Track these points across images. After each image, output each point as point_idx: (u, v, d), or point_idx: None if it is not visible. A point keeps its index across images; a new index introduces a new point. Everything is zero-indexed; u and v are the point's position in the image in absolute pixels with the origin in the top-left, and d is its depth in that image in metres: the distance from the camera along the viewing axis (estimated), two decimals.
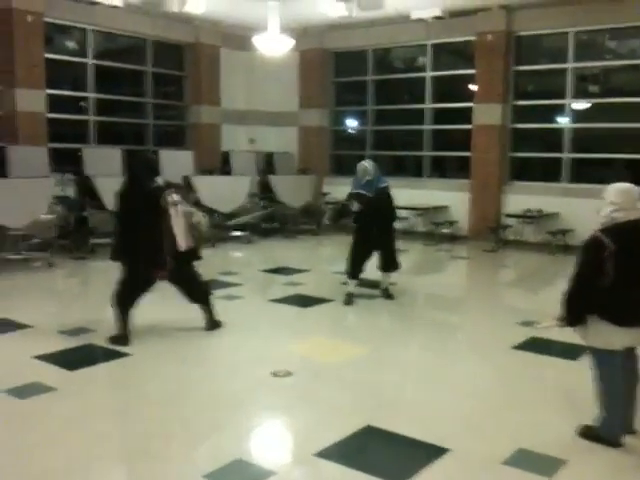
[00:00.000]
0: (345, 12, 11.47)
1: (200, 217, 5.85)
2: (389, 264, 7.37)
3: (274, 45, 11.19)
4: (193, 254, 5.75)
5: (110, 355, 5.26)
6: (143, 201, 5.49)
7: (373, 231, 7.11)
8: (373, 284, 7.70)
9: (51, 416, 4.13)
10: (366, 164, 7.15)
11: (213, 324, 5.97)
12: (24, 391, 4.44)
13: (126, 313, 5.57)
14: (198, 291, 5.90)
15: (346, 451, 3.74)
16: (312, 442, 3.79)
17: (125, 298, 5.57)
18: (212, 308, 5.99)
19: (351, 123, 14.90)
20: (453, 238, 12.17)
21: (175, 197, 5.58)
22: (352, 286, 7.26)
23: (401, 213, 12.18)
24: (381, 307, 7.21)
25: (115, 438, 3.80)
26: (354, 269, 7.19)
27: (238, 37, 13.57)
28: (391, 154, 14.16)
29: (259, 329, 6.26)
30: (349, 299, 7.17)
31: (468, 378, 5.04)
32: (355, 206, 7.08)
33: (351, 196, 7.21)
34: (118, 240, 5.78)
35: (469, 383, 4.91)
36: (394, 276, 7.51)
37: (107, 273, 9.06)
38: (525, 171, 12.32)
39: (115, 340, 5.52)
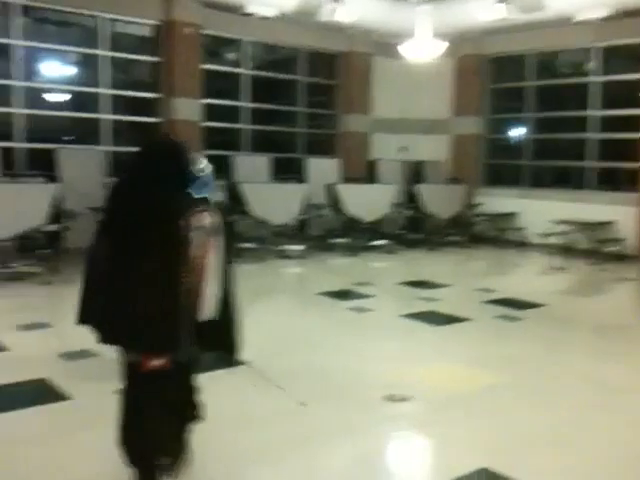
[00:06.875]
0: (501, 15, 10.89)
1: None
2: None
3: (421, 52, 10.80)
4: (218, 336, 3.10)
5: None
6: (146, 225, 2.85)
7: None
8: (521, 304, 7.02)
9: None
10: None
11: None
12: None
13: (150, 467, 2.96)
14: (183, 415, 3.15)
15: None
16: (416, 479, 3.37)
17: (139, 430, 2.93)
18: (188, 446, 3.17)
19: (510, 131, 14.07)
20: (620, 257, 11.00)
21: (207, 220, 2.87)
22: None
23: (557, 228, 11.36)
24: (528, 331, 6.50)
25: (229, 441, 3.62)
26: None
27: (391, 45, 13.26)
28: (551, 164, 13.20)
29: (382, 345, 5.86)
30: None
31: (621, 421, 4.23)
32: None
33: None
34: (85, 289, 2.96)
35: (621, 427, 4.12)
36: (542, 295, 6.73)
37: (253, 277, 9.19)
38: None
39: None
